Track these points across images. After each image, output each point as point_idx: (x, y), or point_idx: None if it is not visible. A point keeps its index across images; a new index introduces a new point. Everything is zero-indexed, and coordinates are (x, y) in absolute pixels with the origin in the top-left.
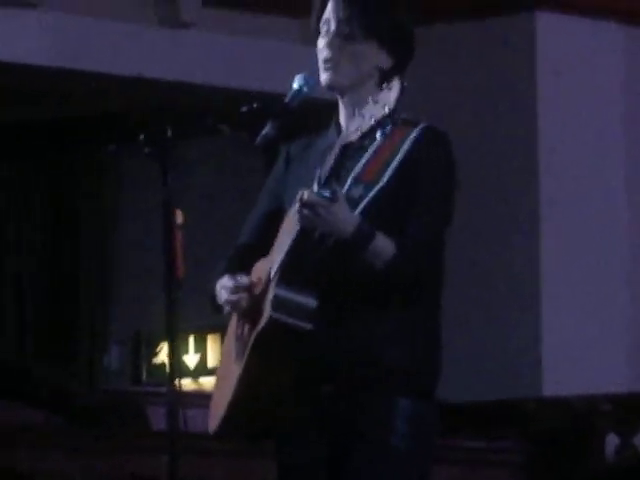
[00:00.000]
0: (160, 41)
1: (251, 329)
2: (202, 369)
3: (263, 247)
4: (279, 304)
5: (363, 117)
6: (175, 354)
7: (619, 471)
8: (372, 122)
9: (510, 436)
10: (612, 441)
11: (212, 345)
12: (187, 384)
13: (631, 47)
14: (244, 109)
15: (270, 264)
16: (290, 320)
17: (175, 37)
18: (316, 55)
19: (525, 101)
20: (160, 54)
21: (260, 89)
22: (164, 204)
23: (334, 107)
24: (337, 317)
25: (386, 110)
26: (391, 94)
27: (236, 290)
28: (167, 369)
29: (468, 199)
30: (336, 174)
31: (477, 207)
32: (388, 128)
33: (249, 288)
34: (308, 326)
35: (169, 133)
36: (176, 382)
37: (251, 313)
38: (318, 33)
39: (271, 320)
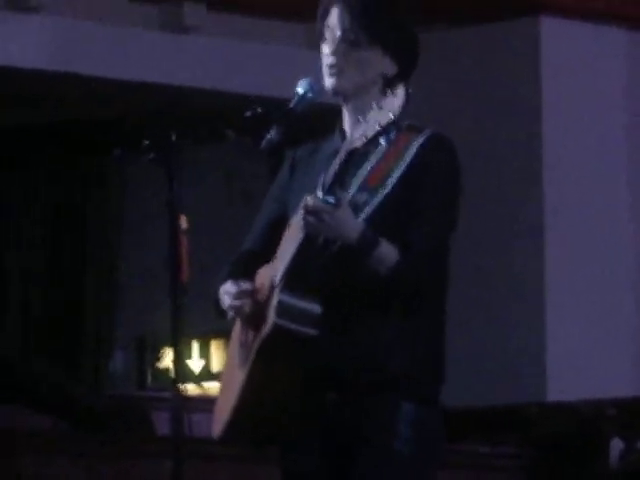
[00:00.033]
0: (164, 45)
1: (255, 335)
2: (206, 374)
3: (267, 253)
4: (283, 310)
5: (368, 123)
6: (180, 359)
7: (624, 476)
8: (377, 128)
9: (514, 441)
10: (617, 446)
11: (216, 350)
12: (191, 389)
13: (634, 52)
14: (248, 114)
15: (274, 270)
16: (294, 326)
17: (179, 42)
18: (321, 60)
19: (528, 107)
20: (164, 59)
21: (264, 94)
22: (169, 209)
23: (338, 112)
24: (341, 323)
25: (391, 116)
26: (396, 100)
27: (239, 296)
28: (172, 374)
29: (470, 207)
30: (341, 180)
31: (480, 215)
32: (393, 134)
33: (252, 294)
34: (312, 332)
35: (173, 138)
36: (181, 387)
37: (255, 319)
38: (324, 38)
39: (275, 326)
